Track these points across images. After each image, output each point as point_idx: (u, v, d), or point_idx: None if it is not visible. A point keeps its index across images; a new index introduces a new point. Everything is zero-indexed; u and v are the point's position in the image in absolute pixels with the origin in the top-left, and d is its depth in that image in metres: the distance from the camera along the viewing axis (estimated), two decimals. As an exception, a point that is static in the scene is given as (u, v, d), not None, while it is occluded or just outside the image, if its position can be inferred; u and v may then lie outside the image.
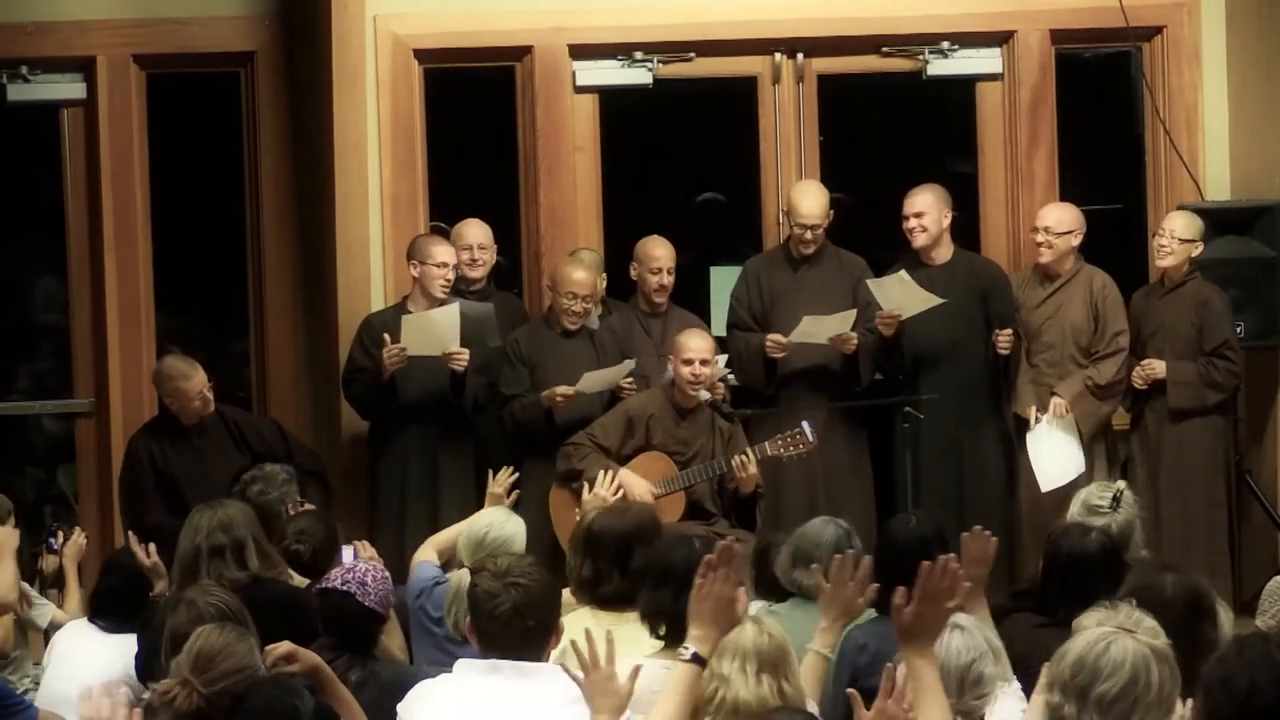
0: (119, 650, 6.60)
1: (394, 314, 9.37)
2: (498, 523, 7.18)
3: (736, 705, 4.61)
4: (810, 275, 9.56)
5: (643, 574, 5.83)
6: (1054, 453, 9.35)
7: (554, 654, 4.94)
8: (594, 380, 9.11)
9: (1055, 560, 6.20)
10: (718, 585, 4.65)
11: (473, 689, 4.74)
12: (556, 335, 9.28)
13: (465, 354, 9.12)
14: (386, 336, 9.10)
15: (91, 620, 6.91)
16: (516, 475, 8.25)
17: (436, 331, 9.11)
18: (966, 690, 4.85)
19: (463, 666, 4.85)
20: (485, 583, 4.81)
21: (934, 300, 9.29)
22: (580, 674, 4.56)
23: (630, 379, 9.23)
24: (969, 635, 4.83)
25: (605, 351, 9.30)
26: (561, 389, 9.06)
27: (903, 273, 9.37)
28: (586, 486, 8.73)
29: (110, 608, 6.88)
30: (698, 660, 4.62)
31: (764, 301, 9.57)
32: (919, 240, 9.53)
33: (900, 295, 9.33)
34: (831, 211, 9.53)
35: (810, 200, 9.52)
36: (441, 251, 9.29)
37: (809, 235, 9.47)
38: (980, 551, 5.79)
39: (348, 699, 5.47)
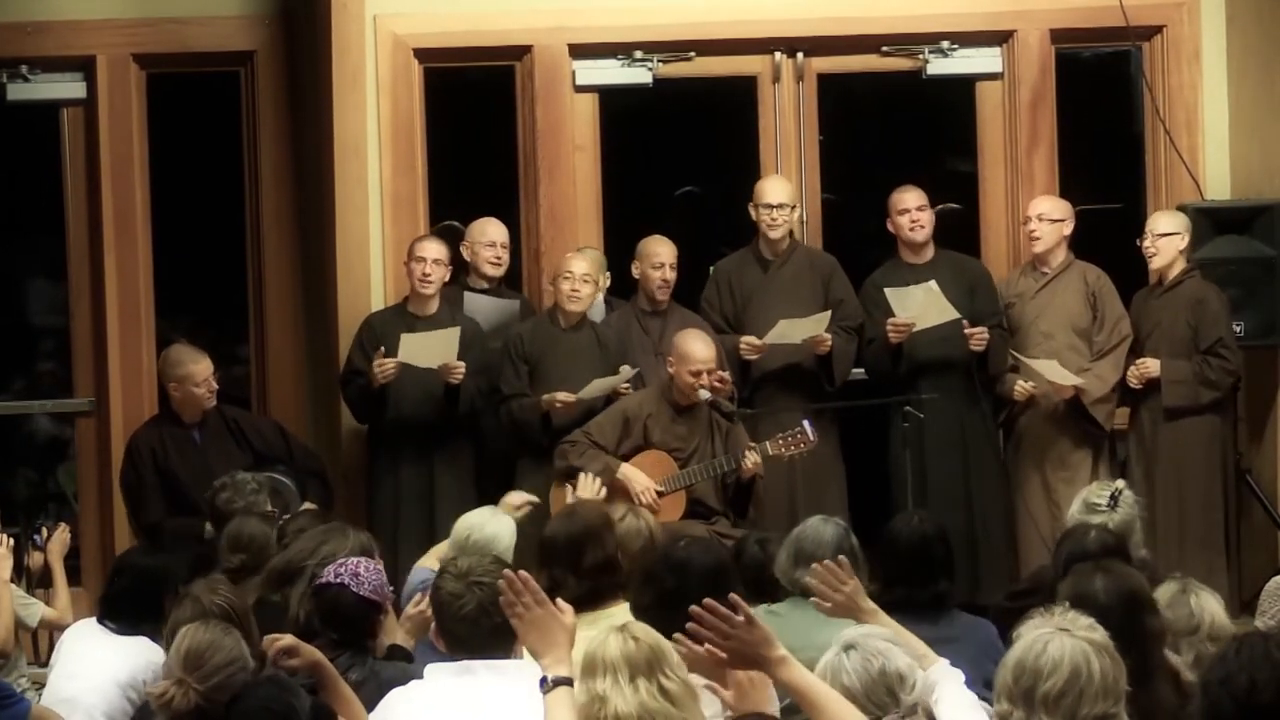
0: (129, 653, 6.52)
1: (393, 315, 9.37)
2: (479, 524, 7.07)
3: (620, 719, 4.45)
4: (781, 275, 9.55)
5: (601, 571, 6.04)
6: (1049, 366, 9.38)
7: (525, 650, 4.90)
8: (596, 388, 9.09)
9: (1058, 559, 6.21)
10: (532, 611, 4.46)
11: (446, 691, 4.72)
12: (560, 331, 9.26)
13: (462, 367, 9.09)
14: (383, 349, 9.09)
15: (101, 622, 6.73)
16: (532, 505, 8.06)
17: (436, 349, 9.07)
18: (901, 691, 4.73)
19: (433, 670, 4.82)
20: (448, 584, 4.79)
21: (952, 313, 9.29)
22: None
23: (628, 386, 9.17)
24: (860, 649, 4.71)
25: (609, 347, 9.27)
26: (562, 395, 9.04)
27: (932, 283, 9.34)
28: (570, 488, 8.63)
29: (122, 610, 6.68)
30: (564, 682, 4.43)
31: (736, 303, 9.56)
32: (920, 236, 9.53)
33: (922, 305, 9.30)
34: (796, 206, 9.53)
35: (776, 184, 9.55)
36: (424, 248, 9.27)
37: (775, 216, 9.44)
38: None
39: (348, 696, 5.46)
